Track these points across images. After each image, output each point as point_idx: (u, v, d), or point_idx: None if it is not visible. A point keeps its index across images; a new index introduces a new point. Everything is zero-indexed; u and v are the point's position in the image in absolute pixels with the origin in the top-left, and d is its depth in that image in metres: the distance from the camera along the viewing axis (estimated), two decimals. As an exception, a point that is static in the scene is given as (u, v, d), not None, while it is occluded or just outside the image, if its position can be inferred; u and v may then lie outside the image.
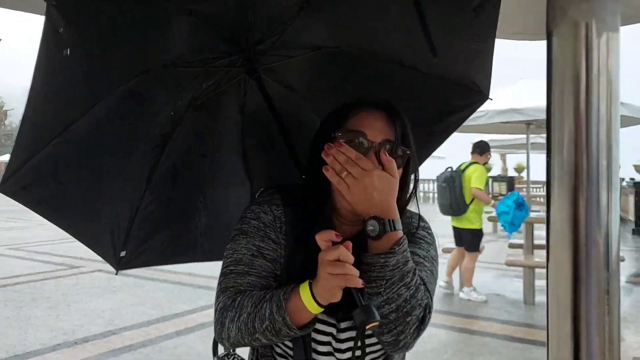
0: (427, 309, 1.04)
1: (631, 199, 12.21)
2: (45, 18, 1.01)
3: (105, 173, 1.42)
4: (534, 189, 17.95)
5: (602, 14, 0.84)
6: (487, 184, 6.32)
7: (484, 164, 6.22)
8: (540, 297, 5.92)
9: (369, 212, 1.00)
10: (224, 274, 1.12)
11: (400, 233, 1.02)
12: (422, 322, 1.03)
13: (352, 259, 0.96)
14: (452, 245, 6.36)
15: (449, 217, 6.20)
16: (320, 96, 1.49)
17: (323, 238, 0.97)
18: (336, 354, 1.12)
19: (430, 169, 8.88)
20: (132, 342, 4.52)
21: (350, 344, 1.11)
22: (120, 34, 1.18)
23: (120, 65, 1.25)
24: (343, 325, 1.12)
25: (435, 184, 6.74)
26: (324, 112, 1.19)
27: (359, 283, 0.96)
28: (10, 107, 50.93)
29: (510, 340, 4.75)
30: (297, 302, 0.99)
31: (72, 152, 1.31)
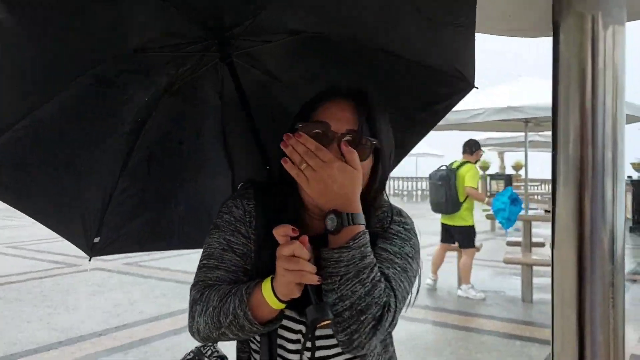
0: (387, 307, 0.97)
1: (629, 196, 12.25)
2: None
3: (75, 158, 1.39)
4: (532, 187, 18.00)
5: (608, 7, 0.84)
6: (484, 181, 6.35)
7: (475, 162, 6.32)
8: (538, 295, 5.94)
9: (329, 205, 0.96)
10: (198, 268, 1.12)
11: (359, 227, 0.96)
12: (380, 322, 0.96)
13: (307, 254, 0.93)
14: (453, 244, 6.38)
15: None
16: (304, 85, 1.42)
17: (280, 233, 0.94)
18: (306, 353, 1.09)
19: (429, 167, 8.89)
20: (129, 341, 4.50)
21: (321, 342, 1.08)
22: (84, 18, 1.14)
23: (87, 49, 1.21)
24: None
25: (428, 182, 6.78)
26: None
27: (314, 279, 0.93)
28: None
29: (508, 337, 4.74)
30: (259, 298, 0.97)
31: (37, 136, 1.28)
